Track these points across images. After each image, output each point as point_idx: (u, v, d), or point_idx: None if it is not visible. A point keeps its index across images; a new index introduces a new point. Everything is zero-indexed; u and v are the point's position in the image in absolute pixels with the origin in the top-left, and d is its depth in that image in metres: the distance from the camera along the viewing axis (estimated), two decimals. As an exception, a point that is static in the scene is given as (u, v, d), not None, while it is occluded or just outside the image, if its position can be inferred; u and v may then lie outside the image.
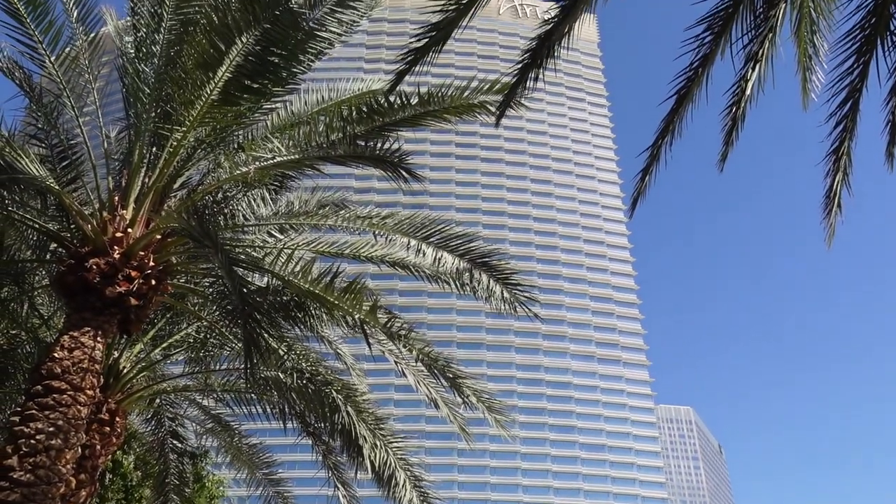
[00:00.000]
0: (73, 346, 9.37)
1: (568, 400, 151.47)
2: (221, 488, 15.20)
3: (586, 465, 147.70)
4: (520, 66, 8.16)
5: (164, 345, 12.82)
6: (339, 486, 12.31)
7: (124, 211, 10.61)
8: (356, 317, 9.29)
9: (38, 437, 8.57)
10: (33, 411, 8.78)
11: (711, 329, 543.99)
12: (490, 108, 10.63)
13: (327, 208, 12.42)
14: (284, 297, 10.46)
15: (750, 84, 8.22)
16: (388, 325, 9.71)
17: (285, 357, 10.75)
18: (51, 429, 8.67)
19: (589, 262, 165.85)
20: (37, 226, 10.90)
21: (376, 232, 10.57)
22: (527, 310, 10.11)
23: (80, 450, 9.43)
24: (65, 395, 8.95)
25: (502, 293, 9.99)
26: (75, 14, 11.43)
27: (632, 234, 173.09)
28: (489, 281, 10.01)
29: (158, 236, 10.60)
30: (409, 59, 7.50)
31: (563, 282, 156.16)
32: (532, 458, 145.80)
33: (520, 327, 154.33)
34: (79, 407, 9.04)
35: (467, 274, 10.00)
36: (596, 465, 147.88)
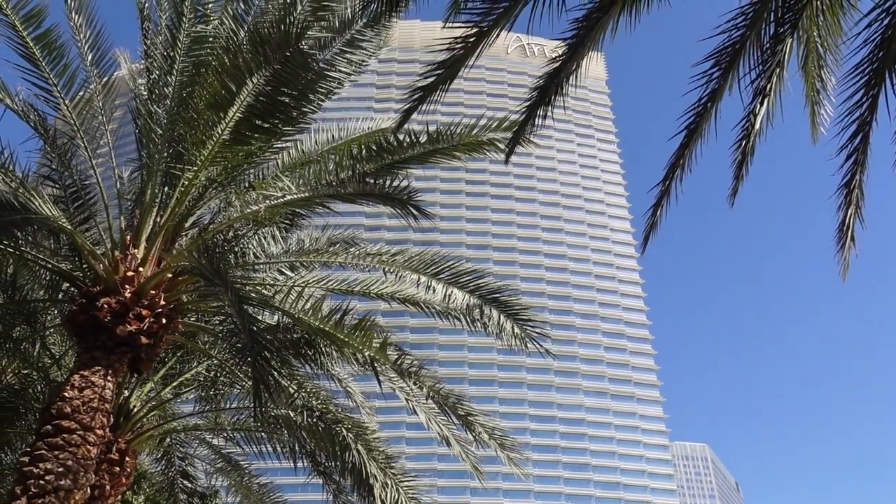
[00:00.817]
0: (83, 385, 9.35)
1: (581, 437, 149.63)
2: (232, 530, 15.04)
3: (601, 503, 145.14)
4: (528, 103, 8.23)
5: (175, 384, 12.79)
6: (350, 526, 12.16)
7: (136, 250, 10.67)
8: (366, 354, 9.25)
9: (47, 477, 8.52)
10: (43, 451, 8.73)
11: (727, 365, 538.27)
12: (499, 145, 10.69)
13: (337, 246, 12.45)
14: (295, 335, 10.43)
15: (759, 118, 8.23)
16: (399, 363, 9.66)
17: (295, 395, 10.69)
18: (60, 469, 8.61)
19: (601, 297, 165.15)
20: (49, 265, 10.96)
21: (386, 269, 10.58)
22: (538, 346, 10.04)
23: (89, 490, 9.35)
24: (74, 435, 8.91)
25: (513, 329, 9.94)
26: (90, 58, 11.63)
27: (643, 270, 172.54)
28: (500, 317, 9.97)
29: (170, 275, 10.63)
30: (416, 97, 7.58)
31: (574, 318, 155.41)
32: (546, 497, 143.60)
33: (532, 364, 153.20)
34: (88, 447, 8.99)
35: (478, 310, 9.96)
36: (611, 502, 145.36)
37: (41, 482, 8.48)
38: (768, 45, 7.78)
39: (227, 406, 12.90)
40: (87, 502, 9.55)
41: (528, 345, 10.01)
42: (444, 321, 11.28)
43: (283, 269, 12.14)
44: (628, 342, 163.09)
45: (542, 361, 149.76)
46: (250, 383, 12.38)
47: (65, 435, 8.88)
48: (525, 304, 10.27)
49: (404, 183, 9.59)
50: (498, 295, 10.13)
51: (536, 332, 10.03)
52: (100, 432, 9.25)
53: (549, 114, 7.90)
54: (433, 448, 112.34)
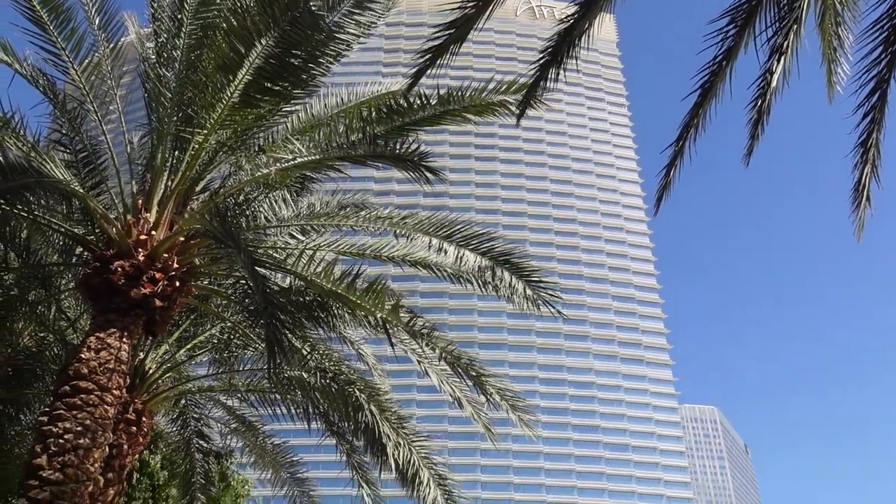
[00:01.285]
0: (99, 347, 9.48)
1: (591, 400, 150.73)
2: (247, 487, 15.30)
3: (610, 465, 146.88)
4: (539, 63, 8.14)
5: (189, 346, 12.93)
6: (364, 484, 12.33)
7: (148, 214, 10.72)
8: (379, 316, 9.30)
9: (66, 436, 8.68)
10: (61, 411, 8.89)
11: (737, 329, 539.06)
12: (510, 107, 10.61)
13: (348, 209, 12.46)
14: (307, 298, 10.49)
15: (775, 77, 8.12)
16: (411, 325, 9.72)
17: (308, 357, 10.79)
18: (79, 428, 8.77)
19: (610, 261, 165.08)
20: (62, 229, 11.03)
21: (398, 231, 10.59)
22: (550, 307, 10.07)
23: (107, 449, 9.53)
24: (92, 396, 9.05)
25: (525, 291, 9.95)
26: (97, 21, 11.56)
27: (654, 234, 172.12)
28: (511, 278, 9.98)
29: (182, 238, 10.69)
30: (427, 57, 7.51)
31: (584, 282, 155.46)
32: (555, 458, 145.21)
33: (542, 328, 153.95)
34: (106, 407, 9.14)
35: (489, 272, 9.97)
36: (620, 464, 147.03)
37: (60, 441, 8.64)
38: (785, 1, 7.65)
39: (241, 368, 13.06)
40: (106, 461, 9.75)
41: (540, 306, 10.03)
42: (455, 284, 11.31)
43: (294, 233, 12.17)
44: (638, 306, 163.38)
45: (552, 325, 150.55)
46: (263, 345, 12.52)
47: (82, 395, 9.02)
48: (536, 265, 10.28)
49: (415, 145, 9.55)
50: (509, 256, 10.13)
51: (548, 294, 10.05)
52: (117, 393, 9.39)
53: (561, 74, 7.82)
54: (444, 410, 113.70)
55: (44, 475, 8.41)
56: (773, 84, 8.25)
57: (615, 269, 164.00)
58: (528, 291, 9.95)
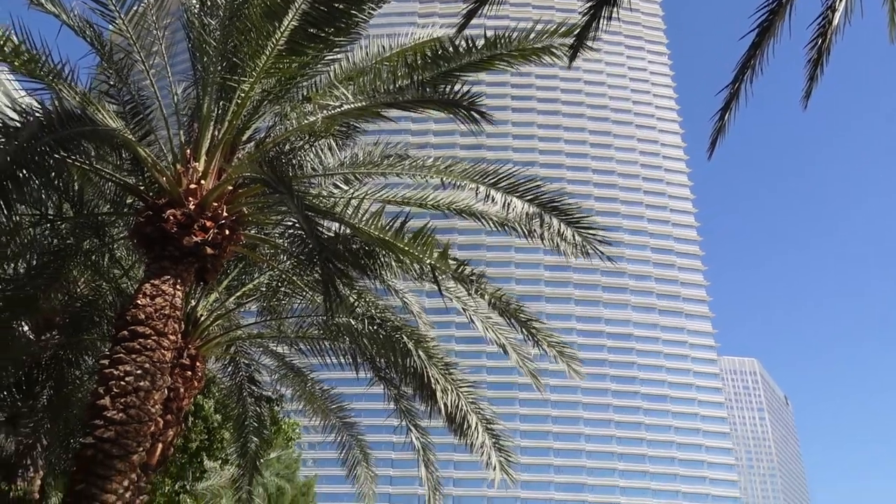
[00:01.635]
0: (154, 293, 9.70)
1: (629, 352, 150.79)
2: (297, 430, 15.74)
3: (648, 416, 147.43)
4: (592, 3, 7.95)
5: (238, 294, 13.18)
6: (412, 429, 12.55)
7: (196, 163, 10.83)
8: (427, 262, 9.33)
9: (127, 378, 8.97)
10: (121, 355, 9.16)
11: (779, 280, 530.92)
12: (557, 51, 10.38)
13: (392, 158, 12.44)
14: (354, 246, 10.56)
15: (836, 15, 7.82)
16: (459, 271, 9.73)
17: (356, 304, 10.92)
18: (138, 371, 9.05)
19: (650, 213, 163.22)
20: (115, 179, 11.22)
21: (444, 179, 10.54)
22: (598, 254, 9.99)
23: (166, 392, 9.84)
24: (149, 340, 9.31)
25: (574, 237, 9.87)
26: (142, -31, 11.55)
27: (694, 185, 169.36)
28: (560, 225, 9.89)
29: (230, 187, 10.80)
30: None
31: (623, 233, 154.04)
32: (594, 408, 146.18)
33: (579, 279, 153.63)
34: (163, 351, 9.40)
35: (537, 219, 9.89)
36: (659, 415, 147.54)
37: (122, 383, 8.93)
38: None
39: (289, 316, 13.28)
40: (164, 403, 10.07)
41: (589, 253, 9.95)
42: (498, 234, 11.27)
43: (339, 183, 12.23)
44: (677, 258, 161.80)
45: (591, 278, 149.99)
46: (311, 293, 12.73)
47: (140, 340, 9.28)
48: (584, 212, 10.18)
49: (466, 87, 9.43)
50: (557, 203, 10.03)
51: (598, 239, 9.96)
52: (172, 338, 9.64)
53: (616, 14, 7.62)
54: (482, 361, 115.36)
55: (108, 415, 8.72)
56: (835, 23, 7.94)
57: (654, 221, 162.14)
58: (577, 238, 9.86)
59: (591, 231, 9.93)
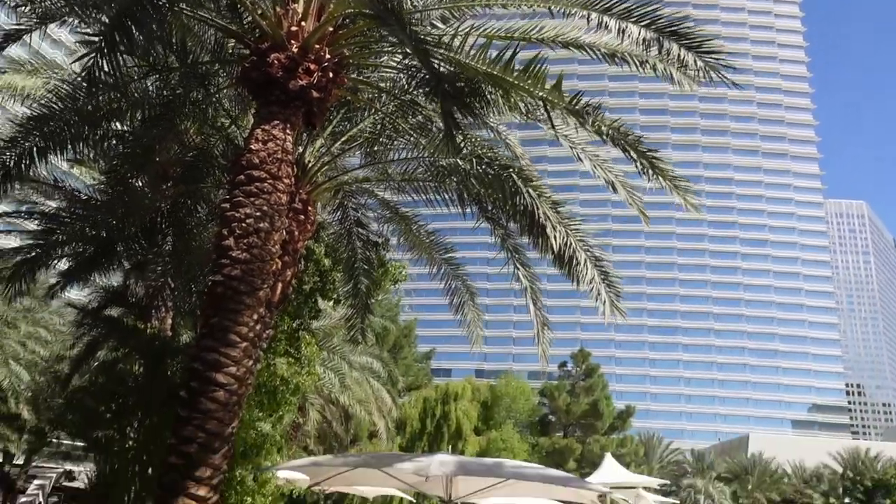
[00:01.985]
0: (266, 138, 9.82)
1: (729, 196, 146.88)
2: (403, 272, 16.22)
3: (746, 260, 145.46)
4: None
5: (343, 139, 13.22)
6: (519, 266, 12.65)
7: (296, 4, 10.59)
8: (539, 95, 8.97)
9: (248, 220, 9.28)
10: (240, 198, 9.45)
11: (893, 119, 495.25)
12: None
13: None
14: (459, 83, 10.26)
15: None
16: (573, 103, 9.34)
17: (462, 143, 10.76)
18: (258, 213, 9.34)
19: (755, 50, 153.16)
20: (217, 24, 11.13)
21: (552, 7, 9.91)
22: (723, 78, 9.33)
23: (283, 233, 10.18)
24: (265, 184, 9.52)
25: (696, 63, 9.22)
26: None
27: (805, 16, 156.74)
28: (680, 50, 9.22)
29: (331, 29, 10.56)
30: None
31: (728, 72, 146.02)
32: (689, 254, 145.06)
33: (675, 124, 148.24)
34: (279, 194, 9.63)
35: (655, 46, 9.24)
36: (757, 259, 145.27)
37: (243, 225, 9.26)
38: None
39: (393, 159, 13.31)
40: (282, 245, 10.45)
41: (712, 77, 9.30)
42: (610, 64, 10.67)
43: (436, 23, 11.78)
44: (784, 96, 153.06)
45: (688, 121, 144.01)
46: (415, 136, 12.64)
47: (257, 184, 9.51)
48: (706, 34, 9.42)
49: None
50: (676, 27, 9.29)
51: (723, 65, 9.27)
52: (287, 181, 9.83)
53: None
54: (576, 209, 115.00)
55: (233, 255, 9.13)
56: None
57: (759, 58, 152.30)
58: (699, 63, 9.20)
59: (715, 55, 9.23)
